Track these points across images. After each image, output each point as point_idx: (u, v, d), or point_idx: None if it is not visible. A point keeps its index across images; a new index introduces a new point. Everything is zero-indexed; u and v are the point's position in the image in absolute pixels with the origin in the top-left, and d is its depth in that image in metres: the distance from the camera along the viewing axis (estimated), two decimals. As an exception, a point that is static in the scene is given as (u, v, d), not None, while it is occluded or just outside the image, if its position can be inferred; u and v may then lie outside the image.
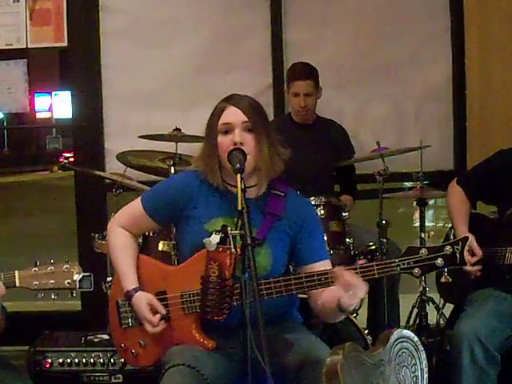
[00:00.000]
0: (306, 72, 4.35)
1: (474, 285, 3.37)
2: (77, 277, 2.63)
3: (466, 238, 2.55)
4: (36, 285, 2.63)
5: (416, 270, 2.56)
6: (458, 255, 2.53)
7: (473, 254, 3.23)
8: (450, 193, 3.56)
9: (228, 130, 2.68)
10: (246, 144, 2.65)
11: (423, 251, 2.55)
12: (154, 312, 2.73)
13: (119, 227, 2.88)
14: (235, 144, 2.65)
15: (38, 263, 2.65)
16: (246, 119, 2.67)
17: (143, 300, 2.74)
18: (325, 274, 2.60)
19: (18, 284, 2.63)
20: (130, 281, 2.79)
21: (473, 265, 3.24)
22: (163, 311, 2.73)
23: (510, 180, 3.36)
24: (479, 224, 3.45)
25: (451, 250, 2.53)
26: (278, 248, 2.72)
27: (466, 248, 2.54)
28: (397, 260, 2.57)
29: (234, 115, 2.68)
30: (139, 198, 2.86)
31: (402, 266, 2.56)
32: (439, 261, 2.54)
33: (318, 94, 4.41)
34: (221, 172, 2.72)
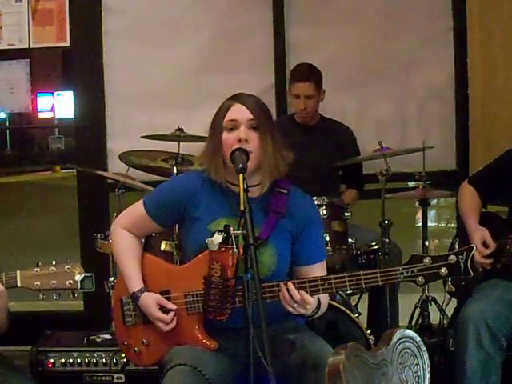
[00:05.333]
0: (307, 74, 4.32)
1: (480, 277, 3.36)
2: (78, 277, 2.62)
3: (471, 248, 2.55)
4: (37, 285, 2.62)
5: (419, 279, 2.56)
6: (462, 265, 2.53)
7: (486, 246, 3.26)
8: (461, 192, 3.58)
9: (233, 126, 2.68)
10: (250, 141, 2.65)
11: (427, 260, 2.55)
12: (164, 310, 2.73)
13: (122, 229, 2.88)
14: (240, 141, 2.64)
15: (39, 263, 2.65)
16: (251, 117, 2.67)
17: (151, 300, 2.74)
18: (328, 279, 2.61)
19: (19, 284, 2.63)
20: (135, 282, 2.79)
21: (486, 257, 3.27)
22: (174, 306, 2.72)
23: None
24: (490, 222, 3.45)
25: (455, 259, 2.53)
26: (282, 247, 2.73)
27: (471, 256, 2.54)
28: (400, 268, 2.57)
29: (239, 112, 2.68)
30: (141, 201, 2.86)
31: (406, 274, 2.56)
32: (443, 270, 2.54)
33: (321, 97, 4.38)
34: (224, 170, 2.72)
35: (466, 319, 3.14)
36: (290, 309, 2.59)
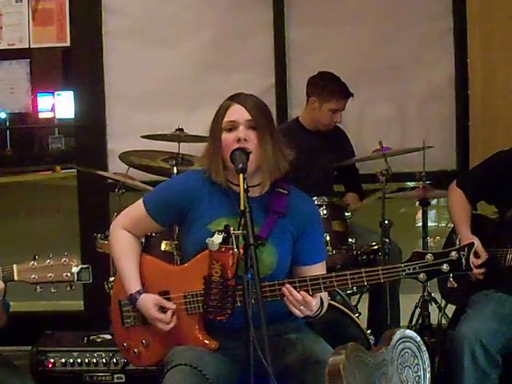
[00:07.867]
0: (348, 89, 4.28)
1: (475, 286, 3.36)
2: (75, 269, 2.61)
3: (472, 244, 2.55)
4: (34, 278, 2.61)
5: (421, 275, 2.56)
6: (463, 261, 2.53)
7: (477, 256, 3.23)
8: (450, 195, 3.56)
9: (232, 127, 2.68)
10: (249, 141, 2.66)
11: (429, 256, 2.54)
12: (163, 310, 2.72)
13: (122, 229, 2.87)
14: (239, 140, 2.65)
15: (36, 257, 2.65)
16: (249, 117, 2.68)
17: (149, 301, 2.73)
18: (329, 277, 2.61)
19: (16, 278, 2.62)
20: (132, 284, 2.79)
21: (477, 267, 3.23)
22: (173, 306, 2.72)
23: (509, 181, 3.36)
24: (480, 225, 3.44)
25: (457, 255, 2.53)
26: (282, 246, 2.73)
27: (472, 254, 2.54)
28: (402, 265, 2.57)
29: (238, 113, 2.69)
30: (141, 200, 2.85)
31: (408, 271, 2.56)
32: (445, 266, 2.53)
33: None
34: (224, 171, 2.72)
35: (460, 339, 3.10)
36: (297, 312, 2.59)
